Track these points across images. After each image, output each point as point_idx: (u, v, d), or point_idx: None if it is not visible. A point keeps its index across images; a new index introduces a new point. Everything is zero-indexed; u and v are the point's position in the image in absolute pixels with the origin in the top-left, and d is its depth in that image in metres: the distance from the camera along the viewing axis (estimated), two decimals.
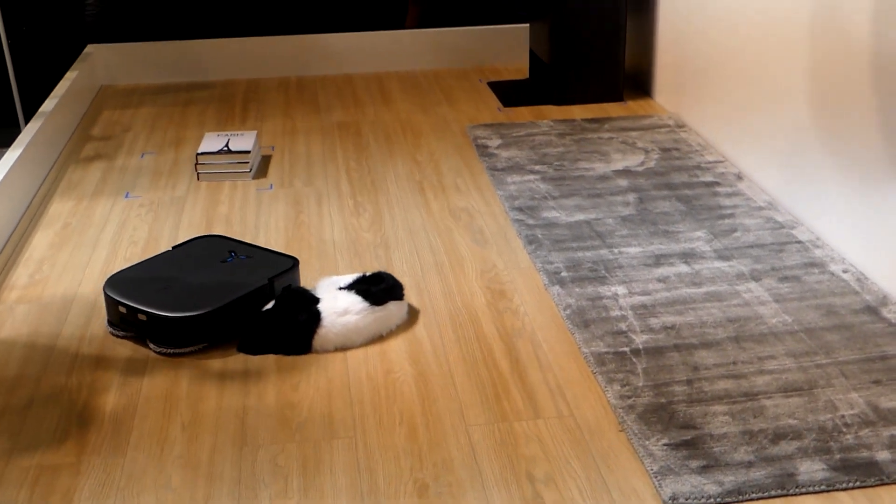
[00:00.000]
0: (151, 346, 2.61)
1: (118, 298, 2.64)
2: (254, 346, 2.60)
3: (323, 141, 4.11)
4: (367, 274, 2.76)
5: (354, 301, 2.63)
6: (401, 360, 2.54)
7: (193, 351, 2.60)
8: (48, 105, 4.07)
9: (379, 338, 2.65)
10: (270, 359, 2.56)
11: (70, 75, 4.54)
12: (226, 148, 3.74)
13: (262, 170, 3.81)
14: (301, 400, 2.38)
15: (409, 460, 2.17)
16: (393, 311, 2.68)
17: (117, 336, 2.68)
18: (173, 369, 2.52)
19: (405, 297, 2.76)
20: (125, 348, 2.61)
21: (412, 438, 2.23)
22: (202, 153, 3.71)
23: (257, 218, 3.38)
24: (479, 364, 2.52)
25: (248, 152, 3.71)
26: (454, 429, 2.26)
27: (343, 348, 2.59)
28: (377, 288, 2.68)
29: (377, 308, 2.64)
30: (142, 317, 2.60)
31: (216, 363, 2.54)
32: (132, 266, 2.83)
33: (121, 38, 5.04)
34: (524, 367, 2.50)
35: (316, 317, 2.59)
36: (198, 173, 3.71)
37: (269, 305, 2.64)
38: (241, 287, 2.69)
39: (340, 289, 2.69)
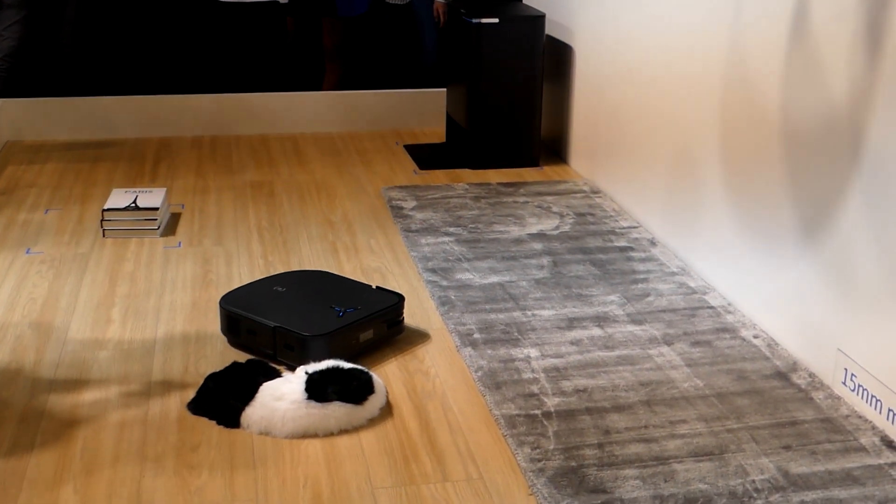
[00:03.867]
0: None
1: (270, 277, 3.05)
2: (196, 407, 2.49)
3: (235, 200, 4.04)
4: (345, 367, 2.53)
5: (295, 390, 2.42)
6: None
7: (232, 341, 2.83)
8: None
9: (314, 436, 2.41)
10: (171, 416, 2.46)
11: None
12: (133, 204, 3.65)
13: (170, 227, 3.73)
14: (201, 461, 2.29)
15: None
16: (335, 412, 2.41)
17: None
18: (67, 428, 2.40)
19: (373, 406, 2.48)
20: (17, 408, 2.49)
21: (316, 502, 2.15)
22: (108, 209, 3.62)
23: (163, 275, 3.29)
24: (388, 426, 2.46)
25: (157, 209, 3.63)
26: (360, 492, 2.19)
27: (266, 434, 2.40)
28: (335, 385, 2.44)
29: (315, 404, 2.40)
30: None
31: (114, 417, 2.43)
32: (313, 271, 3.16)
33: (28, 92, 4.93)
34: (434, 429, 2.44)
35: (250, 393, 2.44)
36: (103, 230, 3.61)
37: (220, 369, 2.57)
38: (280, 319, 2.73)
39: (307, 373, 2.49)
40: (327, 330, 2.69)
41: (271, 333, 2.70)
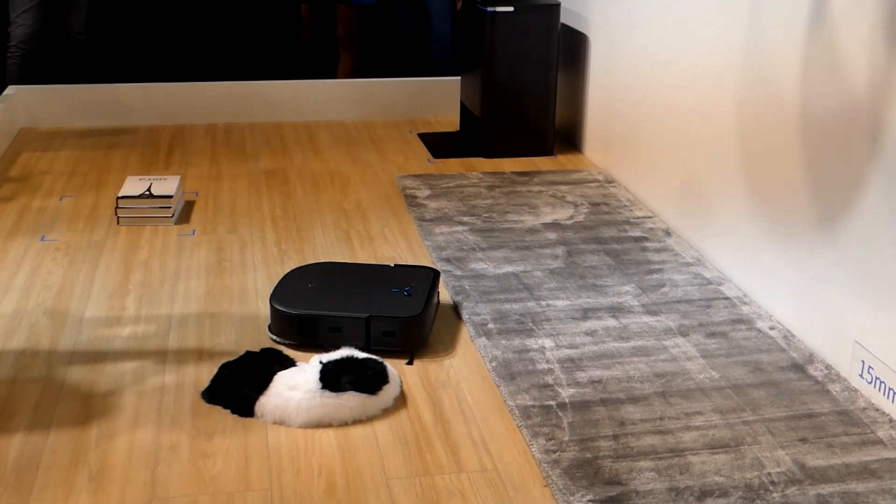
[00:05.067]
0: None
1: (285, 277, 2.94)
2: (210, 396, 2.49)
3: (249, 188, 4.04)
4: (359, 356, 2.53)
5: (309, 380, 2.42)
6: None
7: (286, 344, 2.75)
8: None
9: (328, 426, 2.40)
10: (186, 405, 2.46)
11: None
12: (148, 192, 3.65)
13: (184, 215, 3.73)
14: (215, 450, 2.29)
15: None
16: (349, 402, 2.40)
17: None
18: (82, 415, 2.41)
19: (388, 396, 2.47)
20: (32, 395, 2.49)
21: (331, 492, 2.15)
22: (123, 196, 3.62)
23: (178, 263, 3.29)
24: (402, 416, 2.45)
25: (171, 197, 3.63)
26: (374, 482, 2.19)
27: (280, 423, 2.40)
28: (349, 374, 2.44)
29: (329, 394, 2.39)
30: None
31: (128, 404, 2.43)
32: (335, 262, 3.06)
33: (42, 79, 4.94)
34: (448, 419, 2.44)
35: (265, 383, 2.44)
36: (118, 217, 3.61)
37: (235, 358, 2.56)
38: (338, 309, 2.73)
39: (321, 362, 2.48)
40: (418, 310, 2.73)
41: (364, 324, 2.69)
